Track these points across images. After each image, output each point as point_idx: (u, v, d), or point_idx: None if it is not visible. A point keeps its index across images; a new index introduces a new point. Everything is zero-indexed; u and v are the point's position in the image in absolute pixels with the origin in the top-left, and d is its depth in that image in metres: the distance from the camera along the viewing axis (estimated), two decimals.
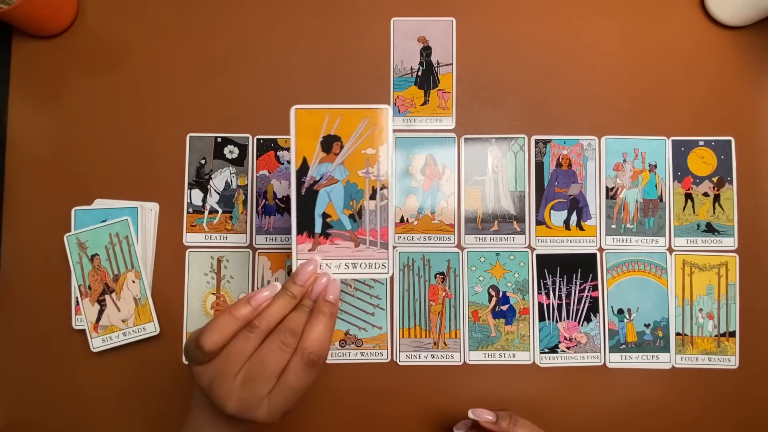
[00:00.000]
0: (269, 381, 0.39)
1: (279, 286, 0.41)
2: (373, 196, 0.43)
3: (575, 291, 0.60)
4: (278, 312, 0.40)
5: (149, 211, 0.60)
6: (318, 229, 0.43)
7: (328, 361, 0.59)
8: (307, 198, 0.43)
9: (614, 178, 0.61)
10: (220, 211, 0.61)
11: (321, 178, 0.43)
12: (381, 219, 0.43)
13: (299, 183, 0.42)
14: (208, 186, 0.61)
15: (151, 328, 0.58)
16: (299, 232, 0.43)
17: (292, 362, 0.40)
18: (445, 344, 0.60)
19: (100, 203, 0.60)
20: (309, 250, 0.43)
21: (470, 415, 0.51)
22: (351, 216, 0.43)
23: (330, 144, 0.42)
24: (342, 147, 0.42)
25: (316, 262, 0.43)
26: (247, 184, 0.61)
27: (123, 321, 0.58)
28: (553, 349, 0.60)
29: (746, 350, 0.60)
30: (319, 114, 0.42)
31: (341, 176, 0.43)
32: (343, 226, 0.43)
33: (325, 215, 0.43)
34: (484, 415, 0.50)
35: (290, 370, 0.40)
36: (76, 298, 0.58)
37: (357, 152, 0.42)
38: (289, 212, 0.60)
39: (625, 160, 0.61)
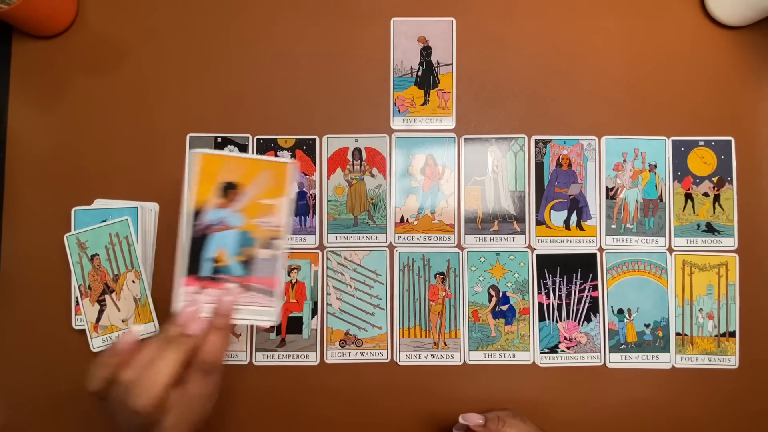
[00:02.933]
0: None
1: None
2: (266, 246, 0.44)
3: (575, 291, 0.60)
4: (148, 356, 0.40)
5: (149, 211, 0.60)
6: (206, 272, 0.43)
7: (328, 361, 0.59)
8: (199, 242, 0.43)
9: (614, 178, 0.61)
10: None
11: (215, 223, 0.43)
12: (272, 268, 0.44)
13: (192, 226, 0.43)
14: None
15: (151, 328, 0.58)
16: (187, 274, 0.43)
17: (191, 374, 0.41)
18: (445, 344, 0.60)
19: (100, 203, 0.60)
20: (195, 293, 0.43)
21: (460, 420, 0.52)
22: (242, 262, 0.44)
23: (228, 191, 0.43)
24: (240, 195, 0.43)
25: (199, 307, 0.43)
26: None
27: (123, 321, 0.58)
28: (553, 349, 0.60)
29: (746, 350, 0.60)
30: (220, 160, 0.42)
31: (236, 223, 0.43)
32: (233, 271, 0.43)
33: (214, 260, 0.43)
34: (475, 419, 0.51)
35: (190, 381, 0.41)
36: (76, 298, 0.58)
37: (255, 201, 0.43)
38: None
39: (625, 160, 0.61)
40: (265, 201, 0.43)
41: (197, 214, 0.42)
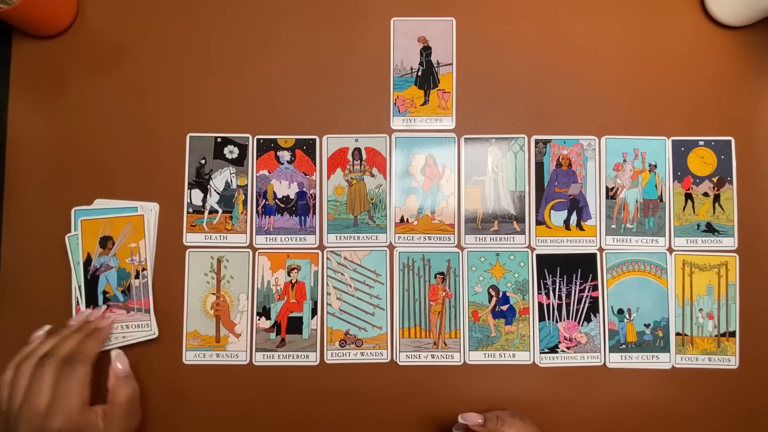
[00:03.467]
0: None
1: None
2: (137, 276, 0.58)
3: (575, 291, 0.60)
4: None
5: (149, 211, 0.60)
6: (100, 302, 0.58)
7: (328, 361, 0.59)
8: (92, 282, 0.58)
9: (614, 178, 0.61)
10: (220, 211, 0.61)
11: (101, 267, 0.58)
12: (143, 292, 0.58)
13: (86, 272, 0.58)
14: (208, 186, 0.61)
15: (150, 330, 0.58)
16: (87, 306, 0.58)
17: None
18: (445, 344, 0.60)
19: (100, 203, 0.60)
20: None
21: (460, 419, 0.52)
22: (123, 291, 0.58)
23: (105, 242, 0.58)
24: (114, 244, 0.58)
25: (87, 314, 0.57)
26: (247, 184, 0.61)
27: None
28: (553, 349, 0.60)
29: (746, 350, 0.60)
30: (96, 222, 0.58)
31: (115, 264, 0.58)
32: (118, 299, 0.58)
33: (105, 292, 0.58)
34: (474, 419, 0.51)
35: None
36: (77, 298, 0.58)
37: (125, 246, 0.58)
38: (289, 213, 0.61)
39: (625, 160, 0.61)
40: (131, 245, 0.58)
41: (87, 262, 0.58)
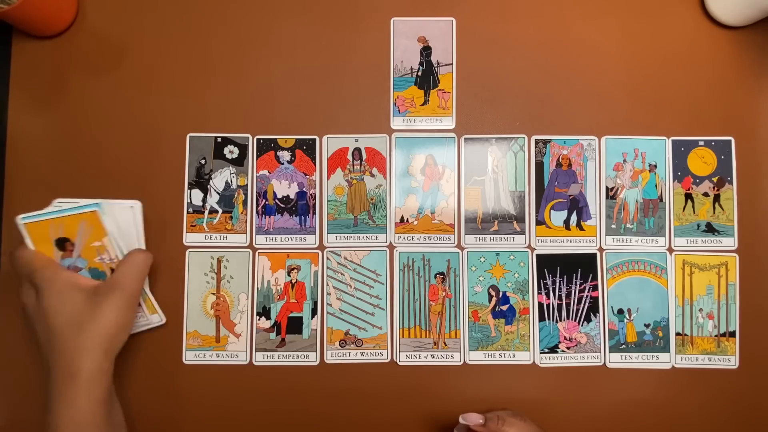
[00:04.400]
0: None
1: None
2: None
3: (575, 291, 0.60)
4: None
5: (126, 209, 0.57)
6: None
7: (328, 361, 0.59)
8: None
9: (614, 178, 0.61)
10: (220, 211, 0.61)
11: (68, 269, 0.53)
12: None
13: None
14: (208, 186, 0.61)
15: (156, 319, 0.58)
16: None
17: None
18: (445, 344, 0.60)
19: (60, 203, 0.56)
20: None
21: (461, 420, 0.52)
22: None
23: (62, 244, 0.54)
24: (73, 244, 0.54)
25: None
26: (247, 184, 0.61)
27: None
28: (553, 349, 0.60)
29: (746, 350, 0.60)
30: (44, 223, 0.53)
31: (83, 265, 0.54)
32: None
33: None
34: (474, 419, 0.51)
35: None
36: None
37: (88, 245, 0.54)
38: (289, 212, 0.60)
39: (625, 160, 0.61)
40: (94, 244, 0.54)
41: None
